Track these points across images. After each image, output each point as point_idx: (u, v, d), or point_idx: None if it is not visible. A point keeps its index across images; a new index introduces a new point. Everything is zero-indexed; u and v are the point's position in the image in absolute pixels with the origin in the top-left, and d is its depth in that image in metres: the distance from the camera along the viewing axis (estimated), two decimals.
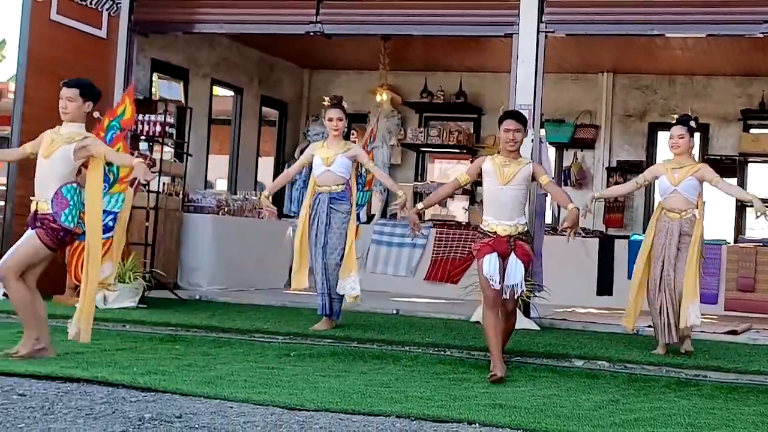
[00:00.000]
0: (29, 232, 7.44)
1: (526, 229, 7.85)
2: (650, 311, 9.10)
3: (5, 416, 5.48)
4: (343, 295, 9.71)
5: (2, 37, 48.65)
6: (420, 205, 8.31)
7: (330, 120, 9.78)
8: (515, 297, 7.77)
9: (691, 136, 9.02)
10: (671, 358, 8.59)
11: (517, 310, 8.29)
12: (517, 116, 7.91)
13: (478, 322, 9.08)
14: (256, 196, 14.81)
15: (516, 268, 7.69)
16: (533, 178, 7.90)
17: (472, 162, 9.62)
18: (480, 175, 7.95)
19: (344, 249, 9.62)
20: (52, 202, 7.40)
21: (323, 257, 9.60)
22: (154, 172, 11.47)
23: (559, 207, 15.08)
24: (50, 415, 5.59)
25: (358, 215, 9.90)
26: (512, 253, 7.72)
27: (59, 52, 11.44)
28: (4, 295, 7.54)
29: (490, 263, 7.66)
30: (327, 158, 9.64)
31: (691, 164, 8.96)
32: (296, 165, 10.19)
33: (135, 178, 7.88)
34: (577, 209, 7.70)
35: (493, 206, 7.83)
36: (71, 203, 7.44)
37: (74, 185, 7.51)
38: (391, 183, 9.96)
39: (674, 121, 9.13)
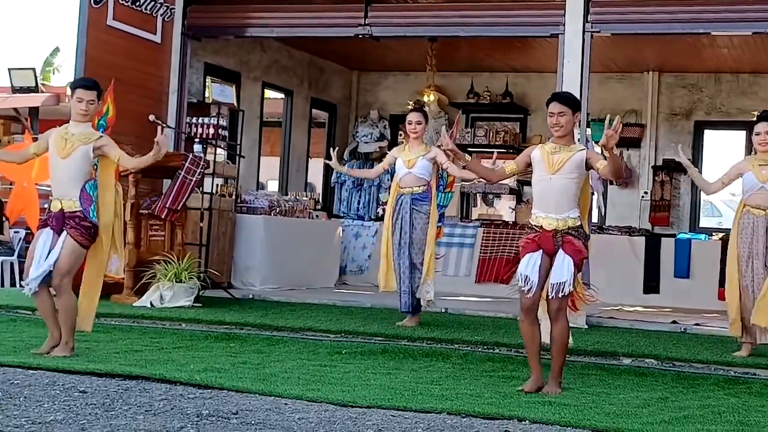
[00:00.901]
0: (62, 238, 7.50)
1: (578, 223, 7.05)
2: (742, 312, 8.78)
3: (67, 413, 5.57)
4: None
5: (57, 44, 49.06)
6: (468, 158, 7.69)
7: (409, 123, 10.04)
8: (560, 295, 6.92)
9: None
10: (720, 356, 8.55)
11: (584, 310, 7.69)
12: (561, 98, 7.21)
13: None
14: (306, 196, 14.98)
15: (563, 264, 6.94)
16: (588, 167, 7.13)
17: None
18: (529, 165, 7.25)
19: (425, 250, 9.89)
20: (80, 199, 7.54)
21: (409, 257, 9.86)
22: (207, 174, 11.66)
23: (605, 204, 15.12)
24: (111, 412, 5.66)
25: (440, 216, 10.14)
26: (560, 249, 6.97)
27: (115, 57, 11.58)
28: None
29: (528, 262, 7.00)
30: (409, 161, 9.92)
31: None
32: (379, 166, 10.47)
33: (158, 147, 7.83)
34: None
35: (540, 198, 7.13)
36: (93, 199, 7.59)
37: (93, 181, 7.66)
38: (467, 172, 10.10)
39: (755, 118, 8.87)
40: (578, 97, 10.65)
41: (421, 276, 9.92)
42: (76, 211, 7.51)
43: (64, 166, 7.59)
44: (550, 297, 6.97)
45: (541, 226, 7.05)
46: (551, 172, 7.03)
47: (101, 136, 7.75)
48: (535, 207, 7.18)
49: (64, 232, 7.51)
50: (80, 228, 7.50)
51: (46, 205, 8.00)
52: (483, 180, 8.12)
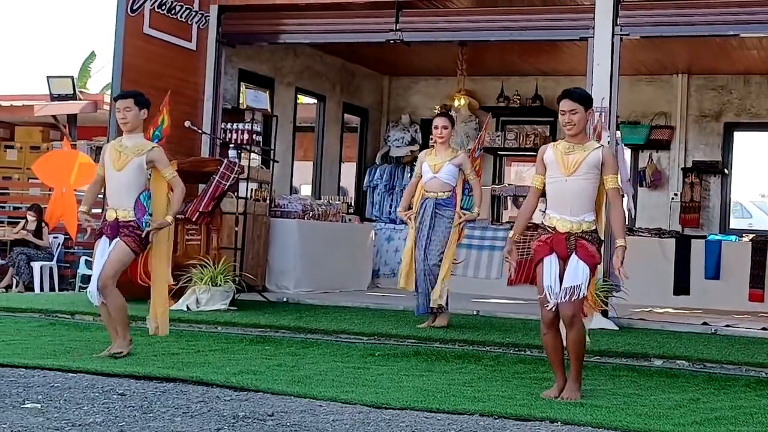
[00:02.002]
0: (116, 242, 7.74)
1: (593, 227, 6.80)
2: None
3: (106, 415, 5.67)
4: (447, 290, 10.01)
5: (92, 49, 49.28)
6: (511, 233, 7.16)
7: (435, 128, 10.08)
8: (573, 299, 6.68)
9: None
10: (752, 357, 8.51)
11: (593, 316, 7.49)
12: (572, 95, 6.88)
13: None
14: (339, 200, 15.07)
15: (576, 268, 6.70)
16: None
17: None
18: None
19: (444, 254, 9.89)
20: (135, 209, 7.77)
21: (426, 259, 9.89)
22: (242, 179, 11.82)
23: (635, 207, 15.12)
24: (149, 414, 5.76)
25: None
26: (573, 253, 6.74)
27: (152, 65, 11.81)
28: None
29: (550, 272, 6.76)
30: (435, 165, 9.97)
31: None
32: (414, 178, 10.36)
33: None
34: (624, 248, 6.74)
35: (555, 199, 6.88)
36: (147, 209, 7.81)
37: (147, 192, 7.90)
38: (479, 198, 10.12)
39: None
40: (608, 101, 10.76)
41: (437, 278, 9.92)
42: (130, 221, 7.74)
43: (118, 178, 7.82)
44: (563, 301, 6.69)
45: (555, 228, 6.82)
46: (567, 174, 6.79)
47: (153, 148, 7.95)
48: (549, 207, 6.94)
49: (117, 238, 7.74)
50: (133, 235, 7.74)
51: (98, 210, 8.19)
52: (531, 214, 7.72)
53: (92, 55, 28.09)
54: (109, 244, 7.79)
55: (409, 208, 10.18)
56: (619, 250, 6.74)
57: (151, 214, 7.85)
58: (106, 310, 7.86)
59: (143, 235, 7.80)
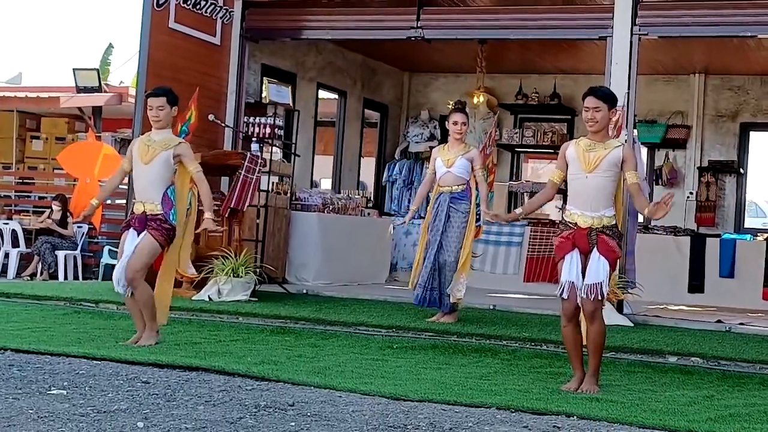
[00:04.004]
0: (143, 236, 7.86)
1: (613, 222, 6.87)
2: None
3: (131, 402, 5.74)
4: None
5: (109, 41, 49.22)
6: (519, 210, 7.51)
7: (455, 123, 10.11)
8: (598, 298, 6.79)
9: None
10: (766, 355, 8.53)
11: (610, 309, 7.50)
12: (597, 92, 6.96)
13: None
14: (359, 195, 15.18)
15: (598, 265, 6.79)
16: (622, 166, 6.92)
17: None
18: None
19: (461, 249, 9.93)
20: (162, 203, 7.89)
21: (438, 254, 9.94)
22: (264, 172, 11.94)
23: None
24: (172, 402, 5.82)
25: (478, 216, 10.12)
26: (594, 248, 6.82)
27: (177, 59, 11.94)
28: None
29: (571, 267, 6.85)
30: (448, 160, 10.03)
31: None
32: (429, 173, 10.42)
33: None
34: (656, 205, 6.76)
35: (576, 195, 6.97)
36: (173, 203, 7.94)
37: (174, 186, 8.01)
38: (485, 195, 10.18)
39: None
40: (626, 100, 10.83)
41: (453, 273, 9.96)
42: (157, 214, 7.87)
43: (147, 172, 7.95)
44: (585, 298, 6.81)
45: (576, 224, 6.89)
46: (587, 171, 6.87)
47: (180, 143, 8.09)
48: (569, 203, 7.03)
49: (145, 231, 7.87)
50: (161, 229, 7.86)
51: (122, 201, 8.30)
52: (544, 203, 7.85)
53: (110, 47, 28.14)
54: (137, 236, 7.91)
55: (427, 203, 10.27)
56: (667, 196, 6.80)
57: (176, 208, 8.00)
58: (132, 301, 7.99)
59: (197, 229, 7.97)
